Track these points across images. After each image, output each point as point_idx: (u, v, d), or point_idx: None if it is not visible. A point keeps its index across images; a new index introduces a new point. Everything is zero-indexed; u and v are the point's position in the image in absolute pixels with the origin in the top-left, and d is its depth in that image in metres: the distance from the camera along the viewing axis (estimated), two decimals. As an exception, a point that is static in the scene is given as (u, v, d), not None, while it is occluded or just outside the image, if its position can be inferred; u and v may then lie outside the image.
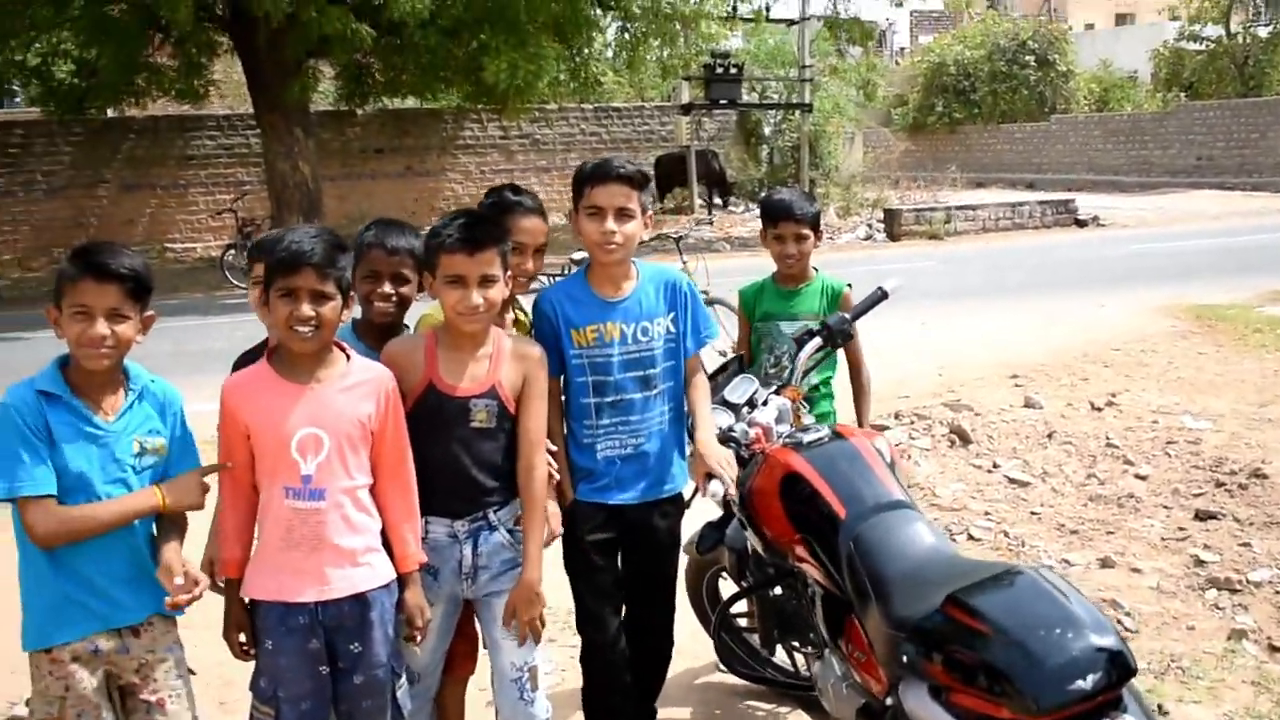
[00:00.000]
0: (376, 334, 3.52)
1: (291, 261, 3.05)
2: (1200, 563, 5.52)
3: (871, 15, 28.59)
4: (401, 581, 3.25)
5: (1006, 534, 5.95)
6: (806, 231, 4.44)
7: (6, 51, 18.55)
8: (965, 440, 7.29)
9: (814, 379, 4.39)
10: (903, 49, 53.74)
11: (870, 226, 22.82)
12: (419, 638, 3.29)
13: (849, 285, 4.54)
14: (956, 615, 2.58)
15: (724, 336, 8.72)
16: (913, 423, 7.65)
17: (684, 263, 9.39)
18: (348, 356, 3.23)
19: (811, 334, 4.02)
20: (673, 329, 3.60)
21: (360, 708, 3.21)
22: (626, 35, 21.62)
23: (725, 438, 3.54)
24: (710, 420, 3.55)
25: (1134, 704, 2.44)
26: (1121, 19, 53.45)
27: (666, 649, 3.84)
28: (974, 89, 37.50)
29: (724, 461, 3.40)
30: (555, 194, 27.45)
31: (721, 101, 26.65)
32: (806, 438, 3.46)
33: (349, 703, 3.20)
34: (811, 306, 4.43)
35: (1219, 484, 6.55)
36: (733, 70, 26.32)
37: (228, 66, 23.56)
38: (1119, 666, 2.39)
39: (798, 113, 27.53)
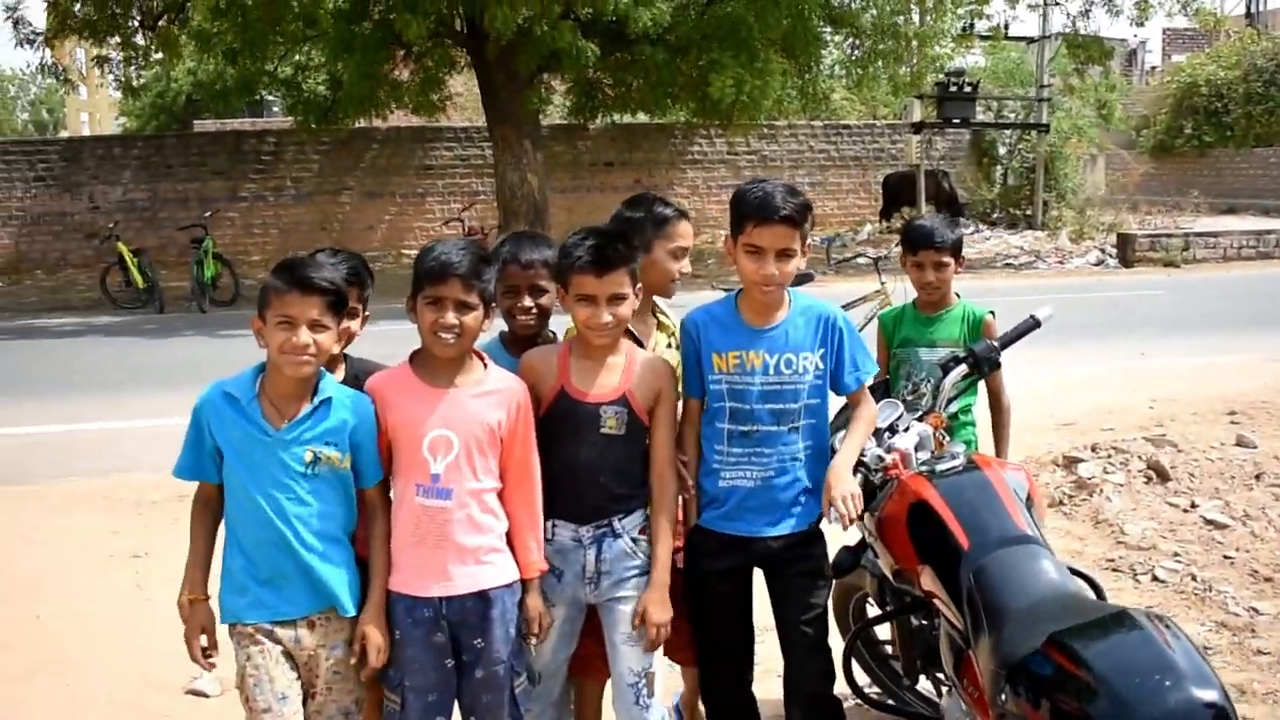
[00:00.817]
0: (521, 345, 3.65)
1: (440, 272, 3.23)
2: None
3: (1120, 34, 27.68)
4: (524, 585, 3.36)
5: (1194, 577, 5.67)
6: (947, 259, 4.37)
7: (260, 63, 19.72)
8: (1163, 477, 6.97)
9: (954, 406, 4.28)
10: (1154, 68, 51.56)
11: (1103, 252, 22.01)
12: (536, 640, 3.39)
13: (991, 313, 4.45)
14: (1054, 655, 2.50)
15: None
16: (1109, 456, 7.35)
17: (882, 284, 9.29)
18: (485, 365, 3.39)
19: (958, 360, 3.93)
20: (822, 365, 3.51)
21: (480, 702, 3.34)
22: (856, 53, 21.48)
23: (857, 463, 3.49)
24: (851, 451, 3.47)
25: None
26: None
27: (820, 683, 3.57)
28: (1227, 110, 35.60)
29: (846, 493, 3.29)
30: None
31: (954, 120, 26.20)
32: (940, 466, 3.39)
33: (470, 696, 3.34)
34: (951, 334, 4.36)
35: None
36: (967, 88, 25.84)
37: (468, 80, 24.42)
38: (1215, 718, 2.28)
39: (1034, 133, 26.82)
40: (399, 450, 3.29)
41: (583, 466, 3.41)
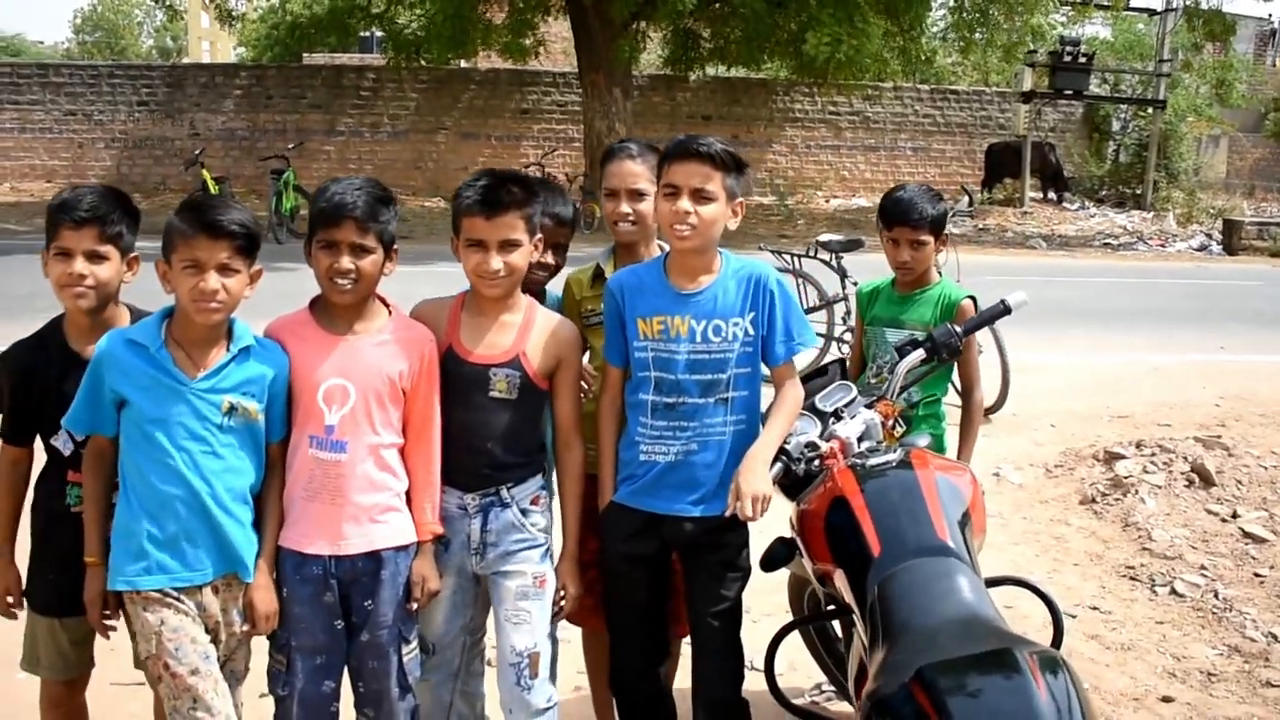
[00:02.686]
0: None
1: (333, 214, 3.03)
2: None
3: (1258, 14, 26.45)
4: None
5: (1216, 594, 5.25)
6: (925, 237, 3.94)
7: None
8: (1207, 482, 6.50)
9: (915, 396, 3.91)
10: (1293, 48, 49.41)
11: (1209, 237, 21.10)
12: (416, 606, 3.17)
13: (971, 297, 4.02)
14: (917, 694, 2.18)
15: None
16: (1153, 454, 6.88)
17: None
18: (389, 312, 3.19)
19: (915, 344, 3.57)
20: (752, 331, 3.22)
21: (366, 667, 3.16)
22: (961, 15, 20.77)
23: (781, 451, 3.17)
24: (770, 440, 3.16)
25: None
26: None
27: (723, 687, 3.31)
28: (1364, 96, 34.03)
29: (755, 491, 3.01)
30: (880, 174, 26.86)
31: (1066, 91, 25.25)
32: (872, 460, 3.07)
33: (357, 660, 3.17)
34: (922, 316, 3.94)
35: None
36: (1081, 59, 24.86)
37: (562, 27, 24.13)
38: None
39: (1150, 109, 25.77)
40: (295, 399, 3.09)
41: (469, 431, 3.19)
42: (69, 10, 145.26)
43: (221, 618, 3.02)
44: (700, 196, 3.11)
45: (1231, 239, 20.10)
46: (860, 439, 3.27)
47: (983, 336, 8.24)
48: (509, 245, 3.10)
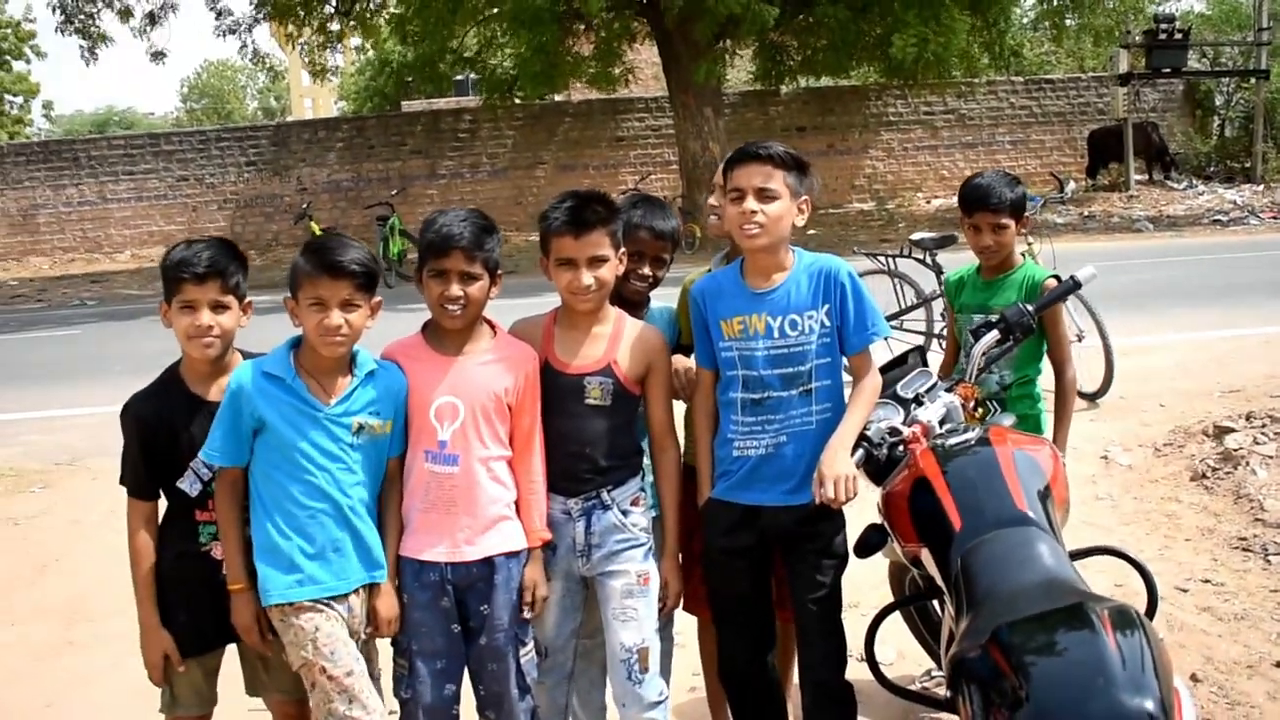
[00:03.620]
0: (628, 310, 3.61)
1: (441, 245, 3.24)
2: None
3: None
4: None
5: (1330, 560, 5.21)
6: (1005, 221, 4.02)
7: (441, 42, 20.15)
8: (1320, 450, 6.43)
9: (1009, 377, 3.99)
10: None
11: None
12: (531, 611, 3.35)
13: (1055, 276, 4.09)
14: (993, 653, 2.30)
15: (1070, 322, 8.16)
16: (1264, 426, 6.81)
17: (1029, 243, 8.75)
18: (494, 332, 3.40)
19: (989, 326, 3.67)
20: (828, 322, 3.36)
21: (487, 670, 3.35)
22: (1051, 3, 20.59)
23: (861, 437, 3.29)
24: (850, 426, 3.29)
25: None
26: None
27: (826, 671, 3.43)
28: None
29: (839, 474, 3.14)
30: (980, 169, 26.55)
31: (1164, 70, 24.80)
32: (951, 441, 3.18)
33: (476, 663, 3.36)
34: (1008, 299, 4.00)
35: None
36: (1177, 35, 24.41)
37: (650, 53, 24.40)
38: (1146, 731, 2.04)
39: (1253, 80, 25.18)
40: (409, 418, 3.31)
41: (568, 438, 3.37)
42: (177, 81, 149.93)
43: (363, 622, 3.23)
44: (764, 196, 3.27)
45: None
46: (942, 422, 3.38)
47: (1084, 322, 8.27)
48: (597, 261, 3.28)
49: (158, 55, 22.74)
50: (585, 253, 3.26)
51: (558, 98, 26.20)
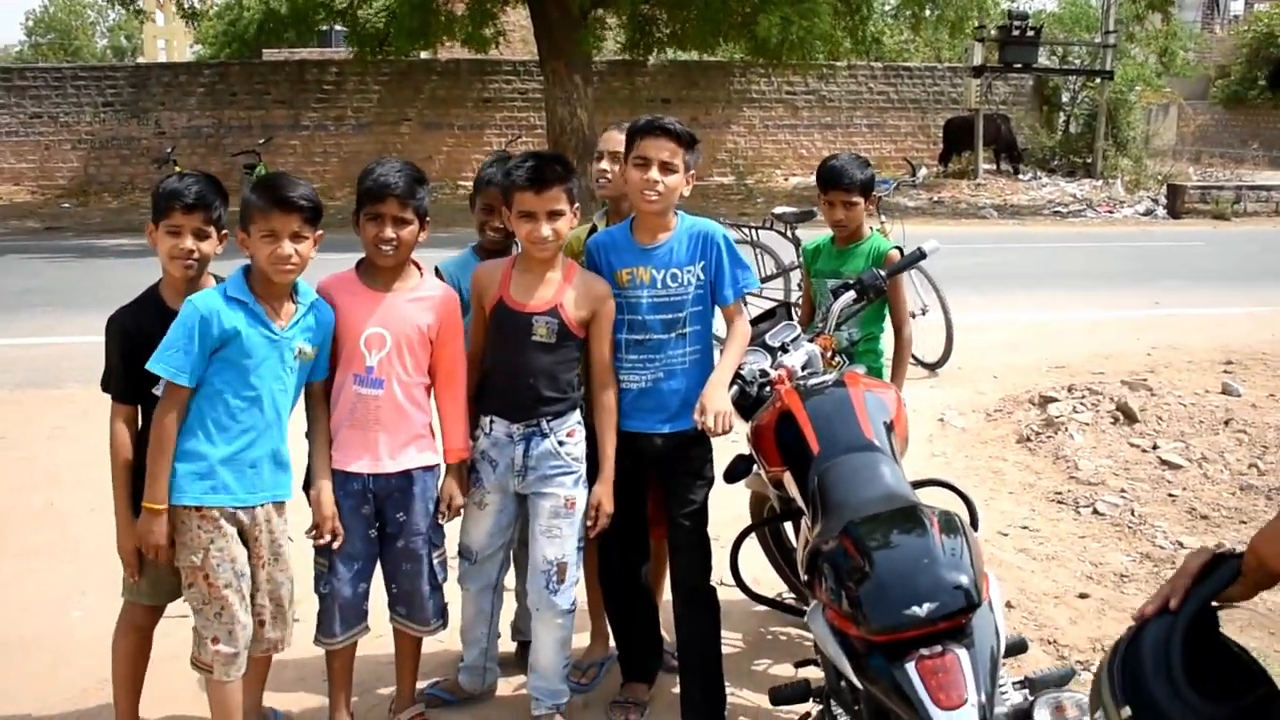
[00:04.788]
0: (488, 257, 4.12)
1: (378, 191, 3.65)
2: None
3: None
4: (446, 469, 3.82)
5: (1133, 512, 5.89)
6: (856, 198, 4.58)
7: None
8: (1130, 419, 7.14)
9: (856, 334, 4.54)
10: (1236, 17, 50.40)
11: (1155, 202, 21.85)
12: (445, 518, 3.83)
13: (897, 247, 4.67)
14: (844, 542, 2.79)
15: (915, 297, 8.82)
16: (1083, 397, 7.54)
17: (881, 222, 9.34)
18: (420, 273, 3.81)
19: (847, 287, 4.20)
20: (703, 277, 3.84)
21: (401, 569, 3.81)
22: (911, -6, 21.41)
23: (737, 378, 3.80)
24: (726, 367, 3.78)
25: (981, 636, 2.60)
26: None
27: (694, 577, 3.94)
28: (1303, 62, 34.89)
29: (718, 409, 3.61)
30: (837, 151, 27.36)
31: (1015, 65, 25.92)
32: (811, 382, 3.68)
33: (391, 564, 3.82)
34: (857, 267, 4.56)
35: None
36: (1030, 33, 25.55)
37: (523, 15, 24.60)
38: (960, 599, 2.56)
39: (1098, 80, 26.50)
40: (340, 344, 3.69)
41: (516, 369, 3.78)
42: (19, 13, 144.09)
43: (263, 532, 3.53)
44: (666, 168, 3.73)
45: (1175, 203, 20.88)
46: (804, 367, 3.88)
47: (929, 298, 8.93)
48: (555, 215, 3.68)
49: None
50: (545, 206, 3.65)
51: (426, 55, 26.19)
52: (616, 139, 4.13)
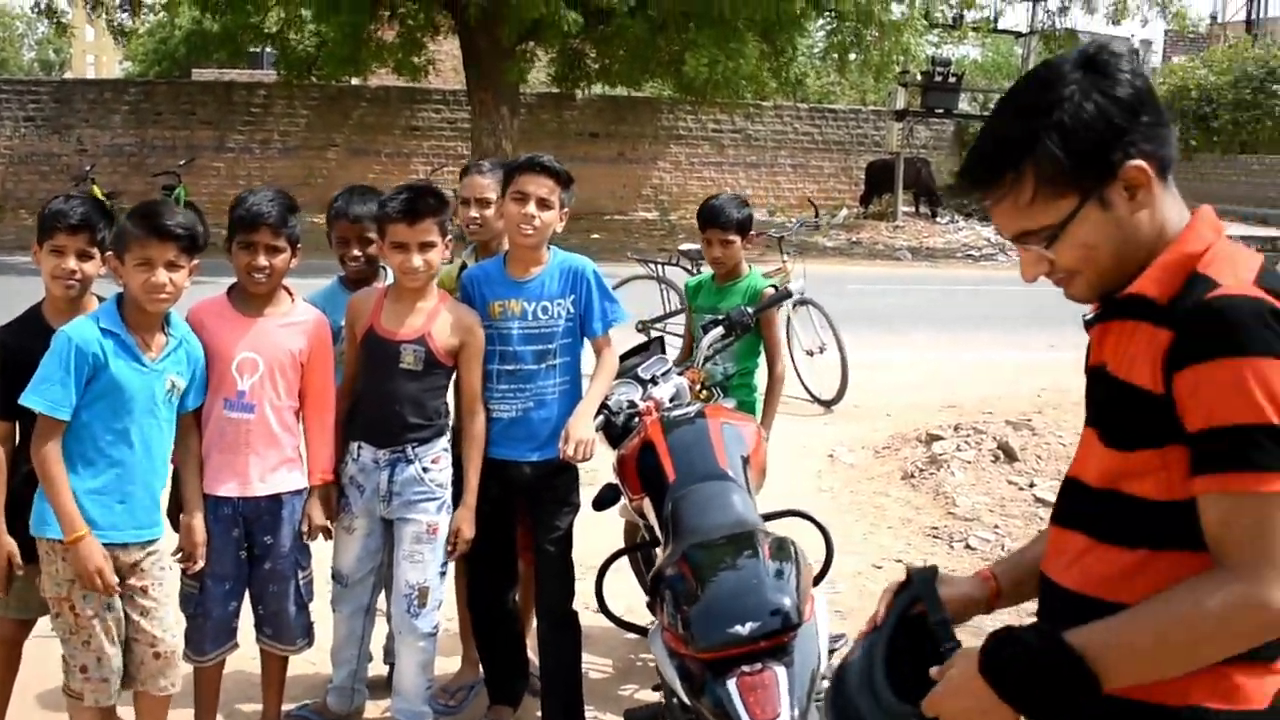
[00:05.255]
0: (354, 286, 4.24)
1: (251, 221, 3.76)
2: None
3: (1124, 33, 27.90)
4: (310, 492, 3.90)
5: (1003, 547, 6.11)
6: (731, 237, 4.78)
7: (245, 16, 20.09)
8: (1011, 457, 7.39)
9: (731, 369, 4.71)
10: (1154, 70, 51.70)
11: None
12: (309, 539, 3.92)
13: (773, 286, 4.87)
14: (681, 566, 2.95)
15: (813, 336, 9.05)
16: (967, 435, 7.78)
17: (784, 261, 9.59)
18: (292, 299, 3.91)
19: (715, 323, 4.38)
20: (573, 310, 4.00)
21: (269, 590, 3.89)
22: (836, 38, 21.81)
23: (603, 408, 3.95)
24: (593, 397, 3.95)
25: (802, 655, 2.76)
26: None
27: (558, 602, 4.07)
28: (1215, 115, 35.88)
29: (581, 438, 3.79)
30: (762, 190, 27.85)
31: (937, 110, 26.46)
32: (675, 414, 3.83)
33: (259, 585, 3.89)
34: (735, 302, 4.74)
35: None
36: (952, 79, 26.11)
37: (454, 45, 24.74)
38: (778, 620, 2.72)
39: (1015, 127, 27.02)
40: (211, 369, 3.74)
41: (384, 396, 3.89)
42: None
43: (142, 562, 3.53)
44: (543, 204, 3.88)
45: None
46: (672, 399, 4.05)
47: (826, 337, 9.18)
48: (427, 246, 3.80)
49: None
50: (417, 238, 3.78)
51: (355, 81, 26.21)
52: (480, 184, 4.31)
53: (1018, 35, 29.00)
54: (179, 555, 3.72)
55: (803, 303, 9.24)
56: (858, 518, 6.63)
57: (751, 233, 4.89)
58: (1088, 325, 2.04)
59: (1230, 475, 1.70)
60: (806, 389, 9.42)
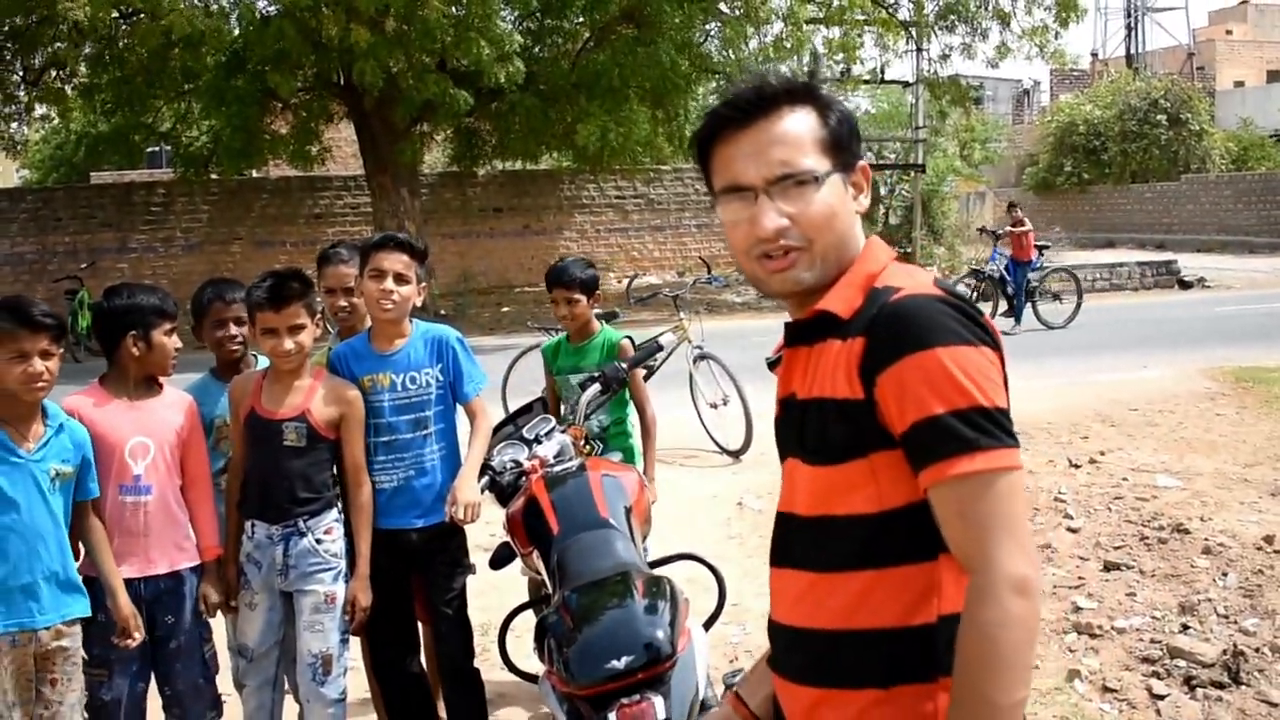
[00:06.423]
0: (227, 375, 4.34)
1: (158, 310, 3.93)
2: (1077, 609, 5.81)
3: (1014, 76, 28.64)
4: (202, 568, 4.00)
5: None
6: (577, 296, 4.96)
7: (137, 116, 20.11)
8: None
9: (605, 420, 4.88)
10: (1044, 108, 53.29)
11: (969, 288, 22.88)
12: (207, 615, 4.01)
13: (628, 337, 5.09)
14: (561, 610, 3.08)
15: (716, 388, 9.24)
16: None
17: (681, 319, 9.77)
18: (160, 387, 4.03)
19: (592, 380, 4.54)
20: (441, 378, 4.19)
21: (174, 669, 3.95)
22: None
23: (487, 469, 4.09)
24: (474, 458, 4.11)
25: (680, 685, 2.90)
26: (1275, 75, 51.88)
27: (458, 658, 4.23)
28: (1104, 148, 37.12)
29: (467, 500, 3.98)
30: (669, 251, 28.25)
31: (832, 162, 26.93)
32: (557, 469, 3.97)
33: (166, 665, 3.95)
34: (594, 359, 4.94)
35: (1143, 538, 6.78)
36: (845, 130, 26.63)
37: (350, 130, 24.89)
38: (652, 652, 2.86)
39: (912, 173, 27.78)
40: (102, 458, 3.81)
41: (271, 474, 4.00)
42: None
43: (56, 650, 3.56)
44: (400, 279, 4.05)
45: (982, 286, 21.91)
46: (556, 456, 4.18)
47: (728, 388, 9.38)
48: (296, 329, 3.94)
49: None
50: (286, 322, 3.91)
51: (255, 174, 26.25)
52: (344, 274, 4.47)
53: (905, 84, 29.66)
54: (117, 634, 3.73)
55: (703, 357, 9.45)
56: (763, 563, 6.76)
57: (598, 292, 5.06)
58: (771, 366, 2.13)
59: (954, 460, 1.75)
60: (713, 440, 9.61)
